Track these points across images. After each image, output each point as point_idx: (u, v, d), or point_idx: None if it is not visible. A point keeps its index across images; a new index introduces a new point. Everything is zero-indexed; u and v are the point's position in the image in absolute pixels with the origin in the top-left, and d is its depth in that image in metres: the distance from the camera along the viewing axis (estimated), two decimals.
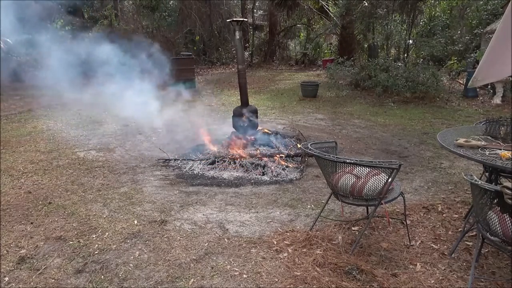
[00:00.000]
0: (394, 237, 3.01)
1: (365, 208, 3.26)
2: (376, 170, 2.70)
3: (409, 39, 11.79)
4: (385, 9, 11.11)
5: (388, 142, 5.84)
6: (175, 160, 4.92)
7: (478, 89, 9.24)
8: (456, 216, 3.34)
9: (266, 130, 5.65)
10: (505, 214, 2.06)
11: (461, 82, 10.44)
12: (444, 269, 2.57)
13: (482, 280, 2.45)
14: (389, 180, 2.56)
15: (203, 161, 4.80)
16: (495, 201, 2.06)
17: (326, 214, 3.39)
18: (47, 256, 2.80)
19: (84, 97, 9.70)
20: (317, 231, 3.09)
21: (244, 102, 5.29)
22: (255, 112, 5.39)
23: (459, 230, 3.07)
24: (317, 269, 2.55)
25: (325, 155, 2.69)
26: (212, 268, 2.62)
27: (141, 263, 2.70)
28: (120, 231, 3.15)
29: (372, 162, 3.02)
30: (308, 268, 2.55)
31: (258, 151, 4.96)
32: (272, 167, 4.50)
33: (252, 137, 5.29)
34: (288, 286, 2.40)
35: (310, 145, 2.90)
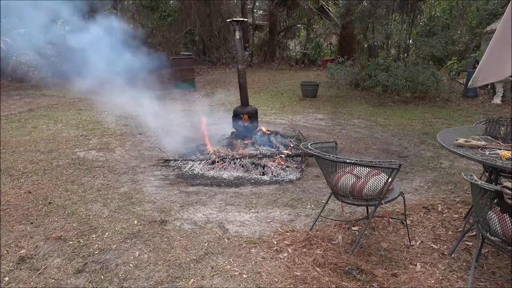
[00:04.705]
0: (394, 237, 3.01)
1: (365, 208, 3.26)
2: (376, 170, 2.70)
3: (409, 39, 11.79)
4: (385, 9, 11.10)
5: (388, 142, 5.84)
6: (175, 160, 4.93)
7: (478, 89, 9.24)
8: (456, 216, 3.34)
9: (266, 130, 5.65)
10: (505, 214, 2.06)
11: (461, 82, 10.44)
12: (444, 269, 2.57)
13: (482, 280, 2.45)
14: (389, 180, 2.56)
15: (203, 161, 4.80)
16: (495, 201, 2.06)
17: (326, 214, 3.39)
18: (47, 256, 2.80)
19: (84, 96, 9.72)
20: (317, 231, 3.08)
21: (244, 102, 5.29)
22: (255, 112, 5.39)
23: (459, 230, 3.07)
24: (317, 269, 2.55)
25: (325, 155, 2.69)
26: (212, 268, 2.62)
27: (141, 263, 2.70)
28: (120, 231, 3.15)
29: (372, 162, 3.02)
30: (308, 268, 2.55)
31: (258, 151, 4.96)
32: (272, 167, 4.50)
33: (252, 137, 5.29)
34: (288, 286, 2.40)
35: (310, 145, 2.90)
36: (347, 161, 2.63)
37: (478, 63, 5.11)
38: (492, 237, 2.18)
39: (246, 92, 5.29)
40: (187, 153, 5.25)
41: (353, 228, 3.17)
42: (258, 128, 5.54)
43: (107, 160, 5.05)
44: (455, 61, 10.87)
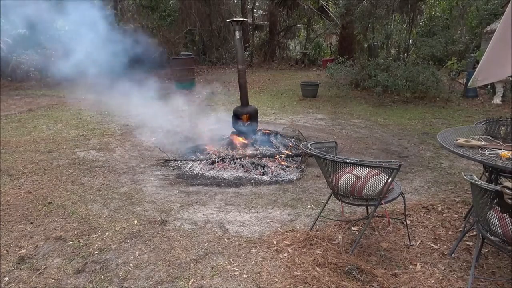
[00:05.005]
0: (394, 237, 3.01)
1: (365, 208, 3.26)
2: (376, 170, 2.70)
3: (409, 39, 11.78)
4: (385, 9, 11.10)
5: (388, 142, 5.84)
6: (175, 160, 4.92)
7: (478, 89, 9.24)
8: (456, 216, 3.34)
9: (266, 130, 5.65)
10: (505, 214, 2.06)
11: (461, 82, 10.44)
12: (444, 269, 2.57)
13: (482, 280, 2.45)
14: (389, 180, 2.56)
15: (203, 161, 4.80)
16: (495, 201, 2.06)
17: (326, 214, 3.39)
18: (47, 256, 2.80)
19: (85, 96, 9.72)
20: (317, 231, 3.08)
21: (244, 102, 5.29)
22: (255, 112, 5.39)
23: (459, 230, 3.07)
24: (317, 269, 2.55)
25: (325, 155, 2.69)
26: (212, 268, 2.62)
27: (141, 263, 2.70)
28: (120, 231, 3.15)
29: (372, 162, 3.02)
30: (308, 268, 2.55)
31: (258, 151, 4.96)
32: (272, 167, 4.50)
33: (252, 137, 5.29)
34: (288, 286, 2.40)
35: (310, 145, 2.90)
36: (347, 161, 2.63)
37: (478, 63, 5.11)
38: (492, 237, 2.18)
39: (246, 92, 5.29)
40: (187, 153, 5.25)
41: (353, 228, 3.17)
42: (258, 128, 5.54)
43: (107, 160, 5.05)
44: (455, 61, 10.86)
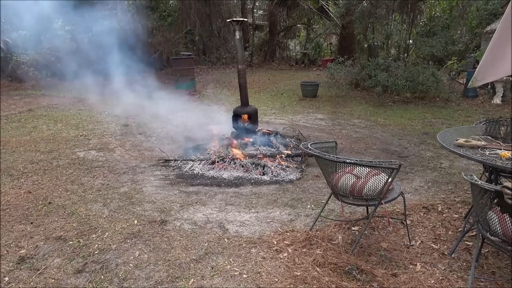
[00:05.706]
0: (394, 237, 3.01)
1: (365, 208, 3.26)
2: (376, 170, 2.70)
3: (409, 39, 11.78)
4: (385, 9, 11.09)
5: (388, 142, 5.84)
6: (175, 160, 4.92)
7: (478, 89, 9.24)
8: (456, 216, 3.34)
9: (266, 130, 5.65)
10: (505, 214, 2.06)
11: (461, 82, 10.44)
12: (444, 269, 2.57)
13: (482, 280, 2.45)
14: (389, 180, 2.55)
15: (203, 161, 4.80)
16: (495, 201, 2.06)
17: (326, 214, 3.39)
18: (47, 256, 2.80)
19: (86, 96, 9.72)
20: (317, 231, 3.08)
21: (244, 102, 5.29)
22: (255, 112, 5.39)
23: (459, 230, 3.07)
24: (317, 269, 2.55)
25: (325, 155, 2.69)
26: (212, 268, 2.62)
27: (141, 263, 2.70)
28: (120, 231, 3.15)
29: (372, 162, 3.02)
30: (308, 268, 2.55)
31: (258, 151, 4.96)
32: (272, 167, 4.49)
33: (252, 137, 5.29)
34: (288, 286, 2.40)
35: (310, 145, 2.90)
36: (347, 161, 2.62)
37: (478, 63, 5.12)
38: (492, 237, 2.18)
39: (246, 92, 5.29)
40: (187, 153, 5.25)
41: (353, 228, 3.17)
42: (258, 128, 5.54)
43: (107, 160, 5.05)
44: (455, 61, 10.86)
